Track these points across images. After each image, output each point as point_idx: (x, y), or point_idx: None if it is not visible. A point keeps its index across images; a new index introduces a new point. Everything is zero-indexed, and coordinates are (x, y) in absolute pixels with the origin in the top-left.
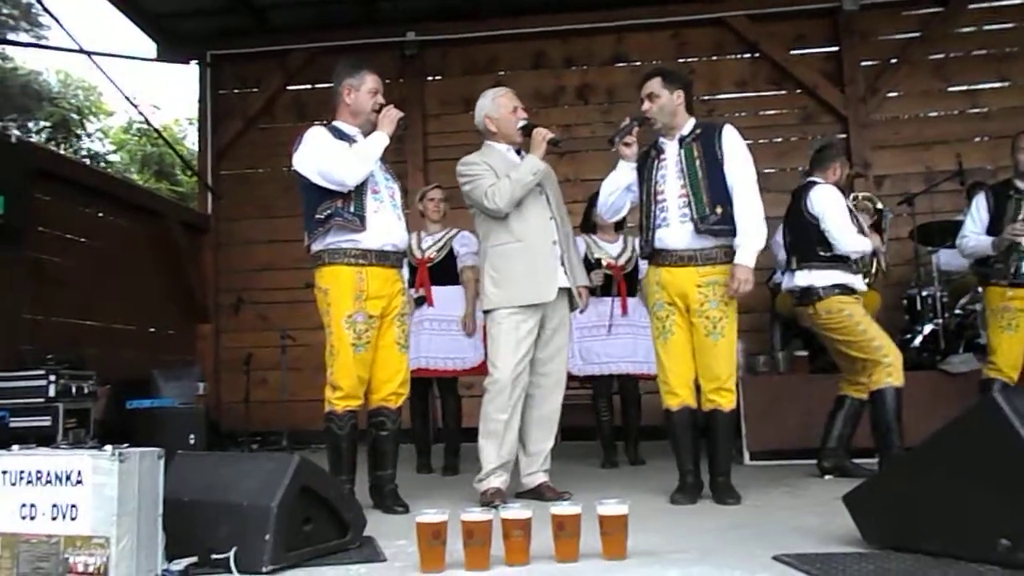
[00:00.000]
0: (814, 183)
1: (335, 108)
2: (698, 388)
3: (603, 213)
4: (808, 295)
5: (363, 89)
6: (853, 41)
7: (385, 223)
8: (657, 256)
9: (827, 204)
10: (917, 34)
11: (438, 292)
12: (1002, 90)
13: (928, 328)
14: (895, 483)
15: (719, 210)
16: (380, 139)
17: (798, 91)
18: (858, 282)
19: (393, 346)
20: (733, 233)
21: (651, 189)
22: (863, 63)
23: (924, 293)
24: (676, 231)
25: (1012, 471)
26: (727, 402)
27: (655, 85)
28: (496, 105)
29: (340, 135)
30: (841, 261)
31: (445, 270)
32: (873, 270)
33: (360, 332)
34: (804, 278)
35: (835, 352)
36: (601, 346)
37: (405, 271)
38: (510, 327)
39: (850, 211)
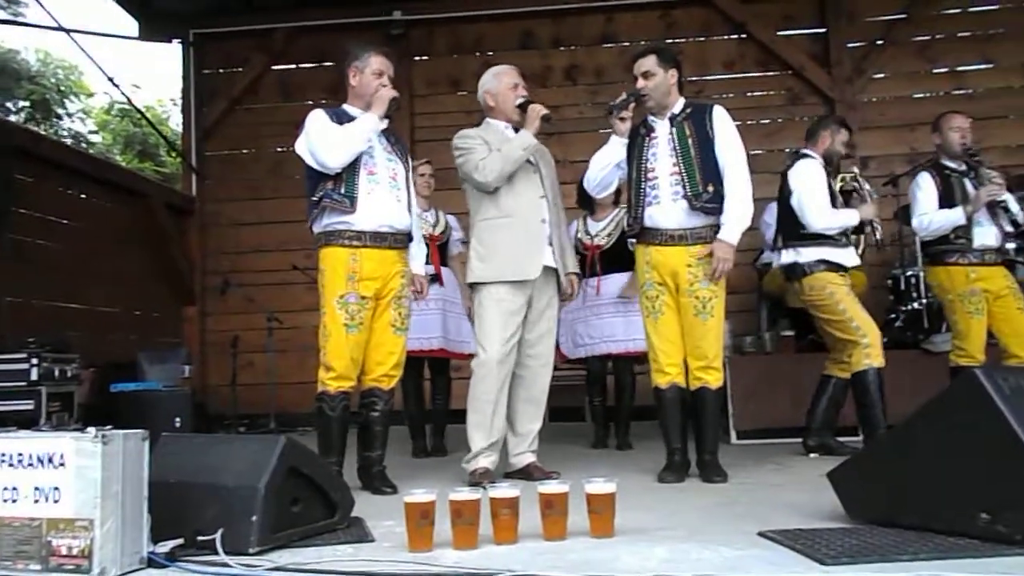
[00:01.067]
0: (801, 157)
1: (345, 91)
2: (686, 367)
3: (591, 188)
4: (793, 271)
5: (367, 71)
6: (840, 22)
7: (380, 204)
8: (646, 235)
9: (799, 180)
10: (903, 15)
11: (446, 272)
12: (986, 71)
13: (912, 307)
14: (878, 460)
15: (711, 188)
16: (367, 121)
17: (785, 72)
18: (846, 257)
19: (388, 328)
20: (722, 212)
21: (642, 167)
22: (849, 44)
23: (908, 273)
24: (668, 209)
25: (991, 447)
26: (714, 380)
27: (650, 63)
28: (497, 81)
29: (343, 118)
30: (826, 236)
31: (446, 251)
32: (863, 242)
33: (353, 313)
34: (789, 255)
35: (821, 330)
36: (584, 327)
37: (416, 248)
38: (497, 306)
39: (828, 183)
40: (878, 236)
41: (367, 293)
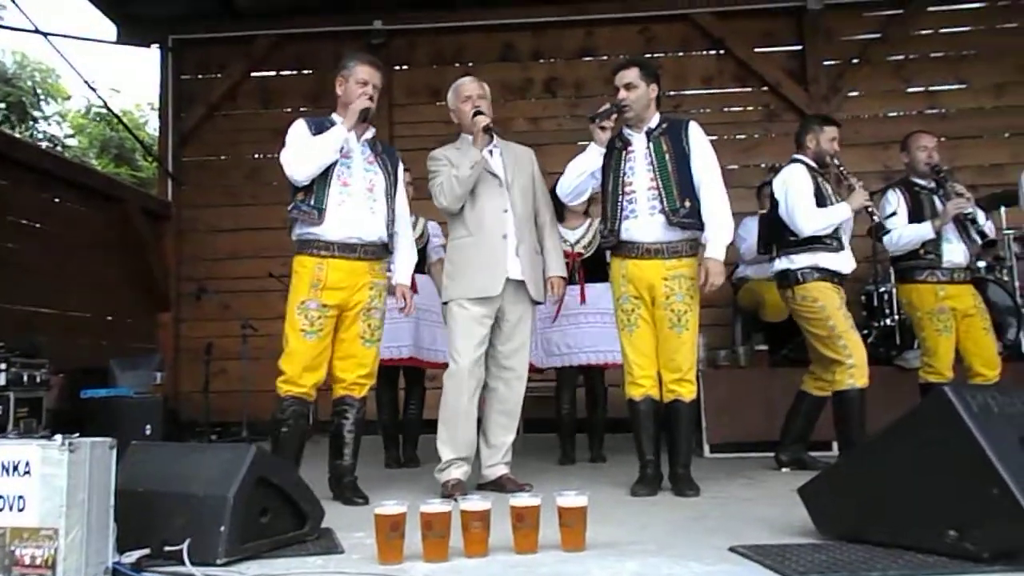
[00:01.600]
0: (789, 163)
1: (332, 98)
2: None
3: (565, 196)
4: (786, 278)
5: (351, 80)
6: (816, 40)
7: (350, 215)
8: (623, 248)
9: (783, 189)
10: (878, 35)
11: (420, 280)
12: (959, 92)
13: (885, 324)
14: (848, 476)
15: (687, 204)
16: (334, 133)
17: (762, 88)
18: (841, 262)
19: (357, 340)
20: (699, 227)
21: (618, 180)
22: (826, 62)
23: (881, 289)
24: (645, 223)
25: (960, 465)
26: (688, 393)
27: (633, 75)
28: (455, 96)
29: (323, 126)
30: (818, 240)
31: (424, 258)
32: (870, 226)
33: (312, 319)
34: (782, 263)
35: (807, 341)
36: (560, 336)
37: (401, 258)
38: (463, 316)
39: (818, 185)
40: (876, 219)
41: (330, 302)
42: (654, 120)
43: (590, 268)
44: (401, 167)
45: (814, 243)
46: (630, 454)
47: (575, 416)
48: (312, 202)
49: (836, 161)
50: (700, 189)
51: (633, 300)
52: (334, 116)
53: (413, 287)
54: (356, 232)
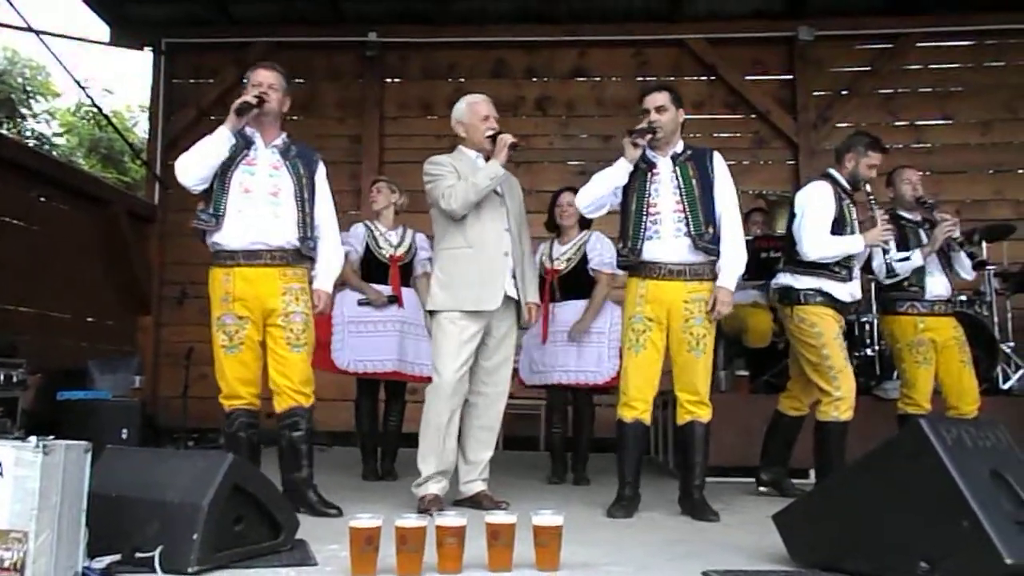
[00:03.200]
0: (823, 176)
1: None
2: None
3: (585, 207)
4: (788, 295)
5: (249, 85)
6: (807, 71)
7: (252, 221)
8: (644, 268)
9: (801, 205)
10: (867, 68)
11: (405, 294)
12: (945, 127)
13: (865, 353)
14: (822, 504)
15: (711, 229)
16: (216, 135)
17: (752, 116)
18: (843, 291)
19: (284, 347)
20: (719, 253)
21: (643, 201)
22: (815, 92)
23: (863, 319)
24: (669, 245)
25: (933, 496)
26: (705, 415)
27: (664, 98)
28: (470, 111)
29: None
30: (825, 268)
31: (411, 271)
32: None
33: (231, 334)
34: (785, 279)
35: (797, 361)
36: (539, 354)
37: (322, 260)
38: (453, 331)
39: (842, 209)
40: (888, 259)
41: (243, 313)
42: (679, 145)
43: (567, 285)
44: (321, 170)
45: (822, 268)
46: (613, 475)
47: (566, 435)
48: (211, 209)
49: (868, 188)
50: (721, 218)
51: (647, 321)
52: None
53: (399, 300)
54: (261, 237)
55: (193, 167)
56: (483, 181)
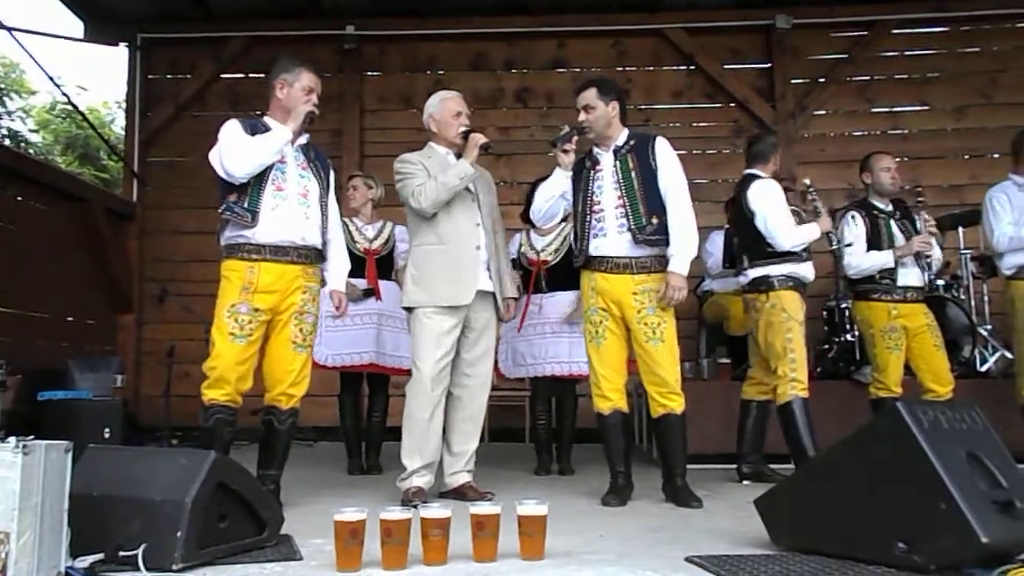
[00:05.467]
0: (753, 178)
1: (268, 102)
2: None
3: (538, 219)
4: (761, 282)
5: (296, 86)
6: (784, 59)
7: (285, 219)
8: (592, 263)
9: (762, 201)
10: (844, 56)
11: (385, 286)
12: (921, 113)
13: (844, 339)
14: (802, 488)
15: (655, 220)
16: (279, 133)
17: (731, 104)
18: (808, 271)
19: (288, 345)
20: (667, 243)
21: (587, 199)
22: (793, 80)
23: (843, 305)
24: (613, 241)
25: (910, 479)
26: (678, 405)
27: (591, 96)
28: (441, 107)
29: (257, 129)
30: (792, 254)
31: (391, 264)
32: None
33: (242, 323)
34: (757, 271)
35: (759, 344)
36: (526, 347)
37: (334, 265)
38: (430, 326)
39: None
40: (834, 244)
41: (261, 306)
42: (621, 137)
43: (556, 276)
44: (332, 173)
45: (789, 255)
46: (597, 464)
47: (551, 427)
48: (246, 204)
49: (807, 181)
50: (666, 204)
51: (601, 312)
52: (267, 119)
53: (376, 293)
54: (290, 236)
55: (247, 164)
56: (453, 180)
